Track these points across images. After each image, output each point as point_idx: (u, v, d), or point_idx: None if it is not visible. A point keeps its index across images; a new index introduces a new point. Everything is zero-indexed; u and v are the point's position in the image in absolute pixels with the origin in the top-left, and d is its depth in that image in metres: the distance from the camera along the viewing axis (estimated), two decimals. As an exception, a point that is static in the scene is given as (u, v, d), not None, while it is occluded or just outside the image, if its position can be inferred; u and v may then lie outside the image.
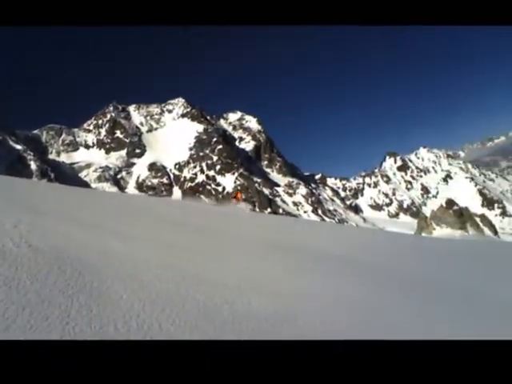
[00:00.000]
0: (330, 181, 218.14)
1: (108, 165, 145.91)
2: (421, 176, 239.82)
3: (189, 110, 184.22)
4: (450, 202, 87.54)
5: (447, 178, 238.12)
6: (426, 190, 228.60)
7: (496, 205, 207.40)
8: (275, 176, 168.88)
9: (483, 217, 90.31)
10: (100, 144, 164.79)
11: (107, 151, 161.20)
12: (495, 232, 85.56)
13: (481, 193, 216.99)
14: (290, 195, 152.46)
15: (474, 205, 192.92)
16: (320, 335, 3.83)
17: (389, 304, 6.05)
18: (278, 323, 3.92)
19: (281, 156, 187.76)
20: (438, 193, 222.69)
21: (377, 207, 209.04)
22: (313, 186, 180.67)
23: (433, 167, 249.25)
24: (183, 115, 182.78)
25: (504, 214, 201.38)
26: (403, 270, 9.61)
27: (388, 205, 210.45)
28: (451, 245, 20.84)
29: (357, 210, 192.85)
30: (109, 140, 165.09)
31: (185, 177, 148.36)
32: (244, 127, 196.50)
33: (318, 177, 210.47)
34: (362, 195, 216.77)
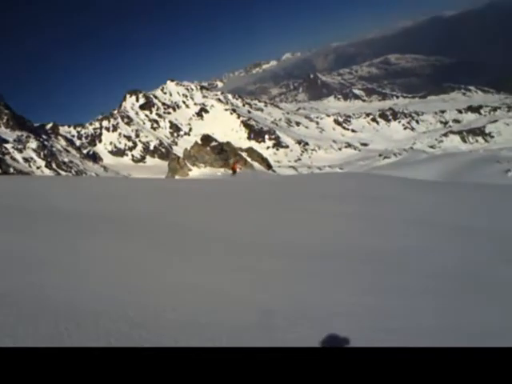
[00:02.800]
0: (64, 129, 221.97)
1: None
2: (169, 113, 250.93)
3: None
4: (207, 138, 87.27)
5: (202, 112, 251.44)
6: (176, 128, 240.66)
7: (267, 136, 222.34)
8: (3, 131, 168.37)
9: (251, 150, 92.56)
10: None
11: None
12: (268, 166, 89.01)
13: (246, 125, 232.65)
14: (20, 151, 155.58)
15: (239, 138, 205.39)
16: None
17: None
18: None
19: (8, 108, 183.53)
20: (191, 130, 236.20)
21: (118, 152, 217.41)
22: (44, 137, 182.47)
23: (183, 101, 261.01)
24: None
25: (278, 145, 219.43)
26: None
27: (131, 149, 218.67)
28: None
29: (95, 158, 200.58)
30: None
31: None
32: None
33: (49, 126, 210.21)
34: (100, 141, 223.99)
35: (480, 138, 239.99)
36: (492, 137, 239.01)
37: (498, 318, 5.30)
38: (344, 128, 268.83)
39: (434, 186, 30.70)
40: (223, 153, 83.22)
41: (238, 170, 49.23)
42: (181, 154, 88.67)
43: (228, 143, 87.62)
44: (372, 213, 15.20)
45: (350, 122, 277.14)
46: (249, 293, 5.78)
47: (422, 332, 4.79)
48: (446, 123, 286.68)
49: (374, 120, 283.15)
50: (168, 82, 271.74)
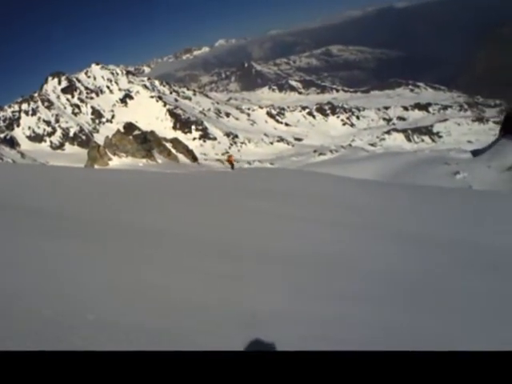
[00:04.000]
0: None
1: None
2: (92, 98, 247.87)
3: None
4: (130, 126, 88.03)
5: (126, 98, 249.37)
6: (98, 114, 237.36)
7: (194, 127, 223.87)
8: None
9: (176, 141, 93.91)
10: None
11: None
12: (194, 158, 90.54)
13: (172, 114, 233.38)
14: None
15: (164, 128, 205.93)
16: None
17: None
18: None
19: None
20: (113, 116, 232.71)
21: (37, 138, 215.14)
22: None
23: (108, 86, 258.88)
24: None
25: (205, 136, 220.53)
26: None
27: (50, 134, 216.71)
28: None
29: (13, 143, 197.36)
30: None
31: None
32: None
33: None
34: (18, 126, 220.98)
35: (426, 138, 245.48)
36: (440, 137, 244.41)
37: (433, 324, 5.67)
38: (277, 121, 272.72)
39: (374, 186, 32.68)
40: (146, 143, 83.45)
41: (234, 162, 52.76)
42: (102, 143, 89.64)
43: (152, 132, 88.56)
44: (311, 215, 15.99)
45: (283, 115, 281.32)
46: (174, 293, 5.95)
47: (353, 338, 5.03)
48: (389, 120, 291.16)
49: (310, 114, 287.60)
50: (93, 65, 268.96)
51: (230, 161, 53.00)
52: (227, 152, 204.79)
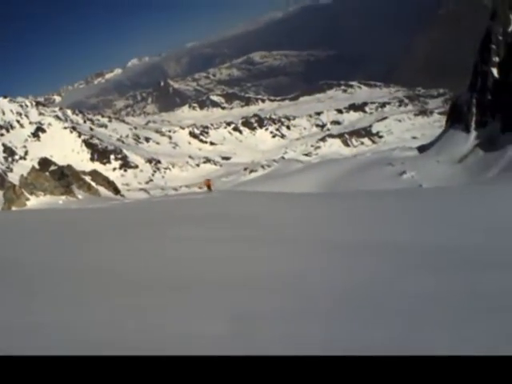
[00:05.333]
0: None
1: None
2: (2, 134, 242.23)
3: None
4: (45, 162, 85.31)
5: (38, 131, 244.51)
6: (10, 152, 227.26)
7: (113, 156, 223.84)
8: None
9: (95, 174, 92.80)
10: None
11: None
12: (116, 190, 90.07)
13: (88, 144, 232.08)
14: None
15: (81, 160, 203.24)
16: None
17: None
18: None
19: None
20: (27, 153, 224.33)
21: None
22: None
23: (18, 121, 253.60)
24: None
25: (126, 165, 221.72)
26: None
27: None
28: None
29: None
30: None
31: None
32: None
33: None
34: None
35: (366, 140, 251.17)
36: (381, 137, 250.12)
37: (379, 330, 5.67)
38: (201, 141, 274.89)
39: (307, 199, 35.02)
40: (64, 178, 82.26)
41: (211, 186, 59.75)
42: (17, 182, 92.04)
43: (69, 166, 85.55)
44: (245, 236, 16.37)
45: (207, 133, 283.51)
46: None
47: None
48: (323, 126, 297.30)
49: (236, 129, 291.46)
50: (0, 98, 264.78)
51: (207, 184, 60.39)
52: (151, 180, 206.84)
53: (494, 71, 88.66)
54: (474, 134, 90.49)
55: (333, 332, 5.79)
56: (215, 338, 5.47)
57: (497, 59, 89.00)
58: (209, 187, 57.39)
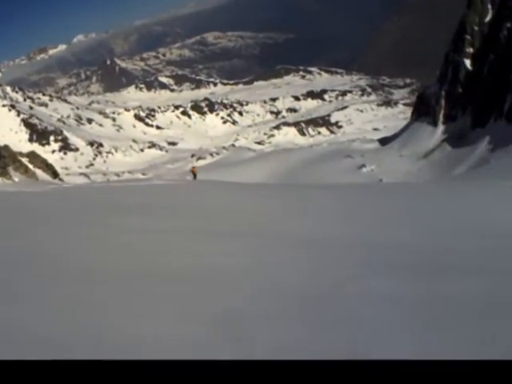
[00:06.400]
0: None
1: None
2: None
3: None
4: None
5: None
6: None
7: (52, 137, 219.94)
8: None
9: (33, 155, 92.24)
10: None
11: None
12: (54, 174, 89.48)
13: (27, 124, 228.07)
14: None
15: (19, 141, 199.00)
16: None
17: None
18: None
19: None
20: None
21: None
22: None
23: None
24: None
25: (66, 147, 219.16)
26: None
27: None
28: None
29: None
30: None
31: None
32: None
33: None
34: None
35: (323, 129, 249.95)
36: (340, 127, 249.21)
37: (338, 335, 5.42)
38: (147, 124, 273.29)
39: (261, 190, 34.58)
40: (0, 159, 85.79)
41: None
42: None
43: (6, 147, 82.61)
44: (199, 227, 16.11)
45: (154, 116, 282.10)
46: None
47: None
48: (278, 113, 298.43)
49: (184, 113, 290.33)
50: None
51: (193, 171, 61.61)
52: (92, 164, 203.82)
53: (467, 62, 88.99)
54: (441, 128, 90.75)
55: (277, 335, 5.51)
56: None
57: (471, 50, 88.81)
58: (194, 175, 59.58)
